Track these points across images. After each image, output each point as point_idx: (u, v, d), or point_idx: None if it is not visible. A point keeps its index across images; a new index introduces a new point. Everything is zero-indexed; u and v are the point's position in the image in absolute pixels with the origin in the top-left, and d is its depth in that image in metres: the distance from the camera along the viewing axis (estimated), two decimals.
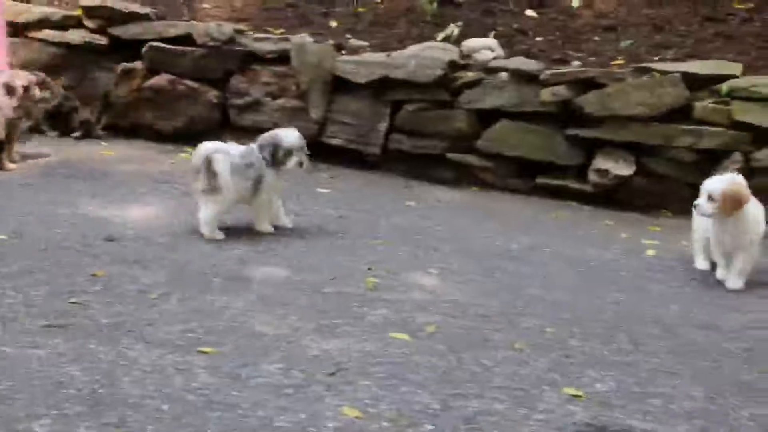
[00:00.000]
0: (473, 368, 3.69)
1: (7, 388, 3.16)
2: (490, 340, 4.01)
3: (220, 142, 5.30)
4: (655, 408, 3.46)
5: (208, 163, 5.06)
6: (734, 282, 5.05)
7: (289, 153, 5.26)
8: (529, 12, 8.09)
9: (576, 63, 7.11)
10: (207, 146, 5.15)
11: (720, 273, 5.16)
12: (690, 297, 4.90)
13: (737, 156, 6.53)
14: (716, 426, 3.36)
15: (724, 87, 6.63)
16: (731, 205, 4.94)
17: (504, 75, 7.00)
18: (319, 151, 6.69)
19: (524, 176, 7.07)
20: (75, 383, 3.24)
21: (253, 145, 5.29)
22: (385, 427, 3.11)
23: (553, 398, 3.46)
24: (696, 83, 6.68)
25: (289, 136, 5.34)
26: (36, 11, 7.93)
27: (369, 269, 4.85)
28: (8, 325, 3.72)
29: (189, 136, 7.05)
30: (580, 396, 3.50)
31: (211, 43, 7.48)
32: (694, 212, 5.10)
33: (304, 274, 4.69)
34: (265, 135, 5.38)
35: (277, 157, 5.25)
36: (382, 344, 3.85)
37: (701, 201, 4.98)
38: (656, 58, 7.16)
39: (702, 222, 5.20)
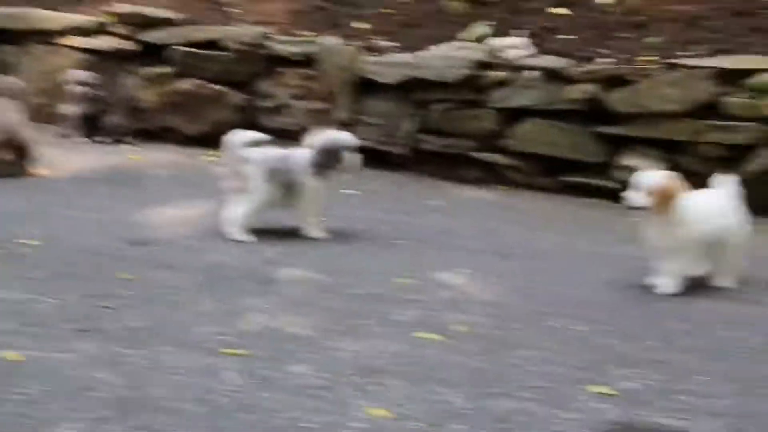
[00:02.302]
0: (503, 368, 3.68)
1: (40, 391, 3.19)
2: (520, 340, 4.00)
3: (257, 133, 5.28)
4: (686, 405, 3.44)
5: (240, 162, 5.08)
6: (665, 285, 4.75)
7: (347, 153, 5.31)
8: (558, 9, 8.04)
9: (605, 60, 7.06)
10: (243, 138, 5.15)
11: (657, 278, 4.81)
12: (717, 293, 4.85)
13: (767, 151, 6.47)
14: (746, 422, 3.33)
15: (755, 82, 6.57)
16: (664, 201, 4.62)
17: (533, 73, 6.98)
18: None
19: (552, 174, 7.04)
20: (105, 387, 3.27)
21: (294, 149, 5.29)
22: (414, 427, 3.11)
23: (584, 397, 3.45)
24: (725, 78, 6.62)
25: (346, 136, 5.41)
26: (63, 18, 8.00)
27: (397, 269, 4.85)
28: (41, 329, 3.75)
29: (215, 140, 7.06)
30: (610, 394, 3.48)
31: (239, 47, 7.52)
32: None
33: (334, 275, 4.70)
34: (323, 139, 5.35)
35: (339, 158, 5.26)
36: (411, 344, 3.85)
37: (636, 195, 4.65)
38: (686, 53, 7.10)
39: None
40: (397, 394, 3.35)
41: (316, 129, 5.57)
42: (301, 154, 5.29)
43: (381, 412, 3.18)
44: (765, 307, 4.70)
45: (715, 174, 5.04)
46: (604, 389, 3.51)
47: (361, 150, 7.22)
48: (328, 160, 5.24)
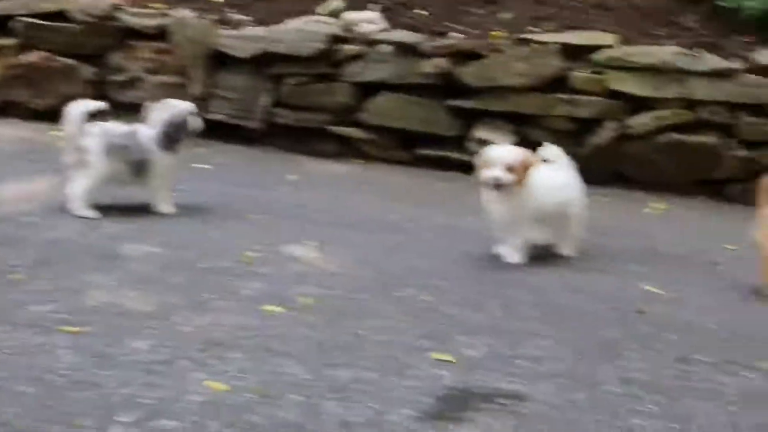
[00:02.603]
0: (347, 338, 3.70)
1: None
2: (366, 310, 4.03)
3: (98, 103, 5.14)
4: (523, 370, 3.53)
5: (79, 135, 4.94)
6: (510, 255, 4.87)
7: (190, 119, 5.25)
8: None
9: (457, 35, 7.15)
10: (80, 109, 5.01)
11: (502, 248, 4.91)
12: (561, 262, 5.00)
13: (612, 124, 6.68)
14: (579, 384, 3.44)
15: (600, 57, 6.77)
16: (525, 174, 4.67)
17: (386, 47, 7.01)
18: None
19: (407, 148, 7.11)
20: None
21: (136, 126, 5.17)
22: (251, 399, 3.10)
23: (424, 364, 3.50)
24: (573, 54, 6.81)
25: (186, 104, 5.34)
26: None
27: (246, 243, 4.82)
28: None
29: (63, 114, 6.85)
30: (450, 361, 3.54)
31: (87, 19, 7.30)
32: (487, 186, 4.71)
33: (180, 251, 4.63)
34: (165, 111, 5.24)
35: (184, 128, 5.20)
36: (255, 317, 3.83)
37: (498, 172, 4.62)
38: (535, 29, 7.26)
39: None
40: (237, 367, 3.33)
41: (156, 102, 5.43)
42: (147, 129, 5.18)
43: (219, 386, 3.16)
44: (605, 274, 4.86)
45: (545, 145, 5.14)
46: (445, 356, 3.58)
47: (216, 124, 7.17)
48: (174, 132, 5.15)
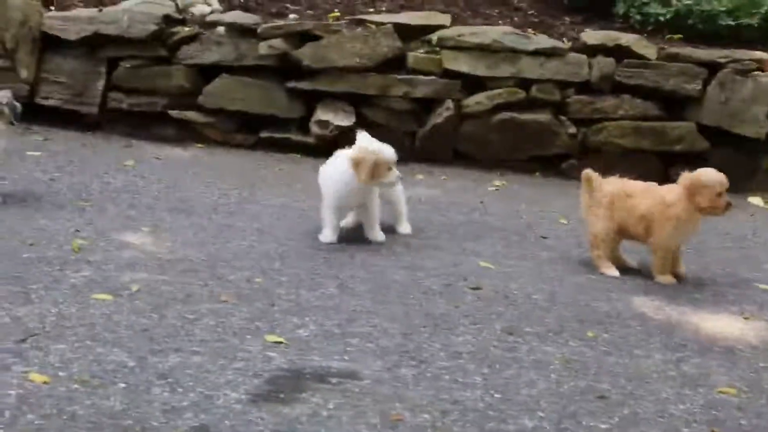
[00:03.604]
0: (175, 323, 3.64)
1: None
2: (196, 294, 3.98)
3: None
4: (354, 348, 3.56)
5: None
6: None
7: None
8: None
9: (293, 16, 7.13)
10: None
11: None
12: (399, 241, 5.06)
13: (449, 103, 6.79)
14: (406, 358, 3.50)
15: (434, 37, 6.87)
16: (360, 168, 4.82)
17: (221, 29, 6.93)
18: (31, 113, 6.37)
19: (248, 131, 7.05)
20: None
21: None
22: (74, 389, 3.02)
23: (254, 347, 3.48)
24: (408, 34, 6.88)
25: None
26: None
27: (76, 231, 4.69)
28: None
29: None
30: (281, 342, 3.54)
31: None
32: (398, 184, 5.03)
33: (4, 240, 4.46)
34: None
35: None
36: (81, 307, 3.73)
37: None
38: (371, 10, 7.30)
39: None
40: (58, 358, 3.23)
41: None
42: None
43: (38, 378, 3.06)
44: (440, 251, 4.94)
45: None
46: (274, 338, 3.57)
47: (49, 110, 6.94)
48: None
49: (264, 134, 6.99)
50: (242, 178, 6.20)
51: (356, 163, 4.78)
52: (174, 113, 6.99)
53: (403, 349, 3.59)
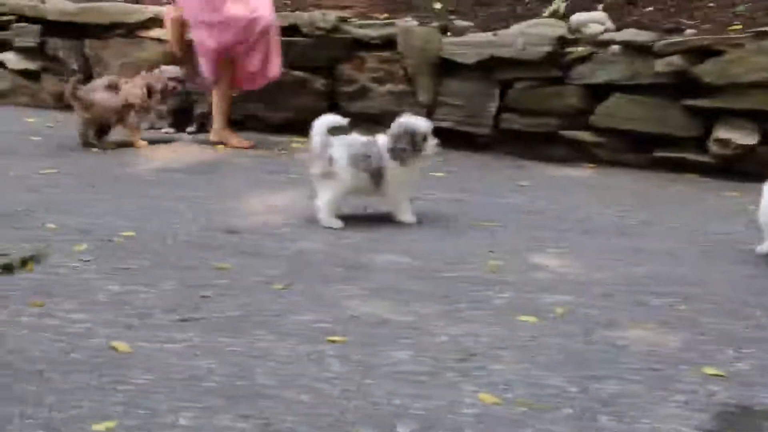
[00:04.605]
0: (606, 349, 3.62)
1: (148, 382, 3.23)
2: (620, 320, 3.93)
3: (340, 118, 5.29)
4: None
5: (325, 146, 5.09)
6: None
7: (424, 138, 5.27)
8: None
9: (690, 31, 6.90)
10: (325, 123, 5.17)
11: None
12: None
13: None
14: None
15: None
16: None
17: (616, 48, 6.84)
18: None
19: (639, 151, 6.91)
20: (211, 376, 3.29)
21: (375, 137, 5.28)
22: (521, 412, 3.08)
23: (692, 378, 3.37)
24: None
25: (420, 121, 5.35)
26: (145, 10, 8.08)
27: (490, 252, 4.81)
28: (144, 320, 3.80)
29: (297, 126, 7.07)
30: (720, 375, 3.40)
31: (317, 32, 7.52)
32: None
33: (424, 259, 4.67)
34: (397, 125, 5.31)
35: (416, 143, 5.24)
36: (510, 327, 3.81)
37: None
38: None
39: None
40: (501, 379, 3.31)
41: (399, 114, 5.50)
42: (383, 140, 5.27)
43: (489, 398, 3.15)
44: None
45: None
46: (712, 370, 3.44)
47: (444, 131, 7.20)
48: (403, 145, 5.20)
49: (658, 154, 6.81)
50: (638, 198, 6.08)
51: None
52: (566, 133, 7.01)
53: None
